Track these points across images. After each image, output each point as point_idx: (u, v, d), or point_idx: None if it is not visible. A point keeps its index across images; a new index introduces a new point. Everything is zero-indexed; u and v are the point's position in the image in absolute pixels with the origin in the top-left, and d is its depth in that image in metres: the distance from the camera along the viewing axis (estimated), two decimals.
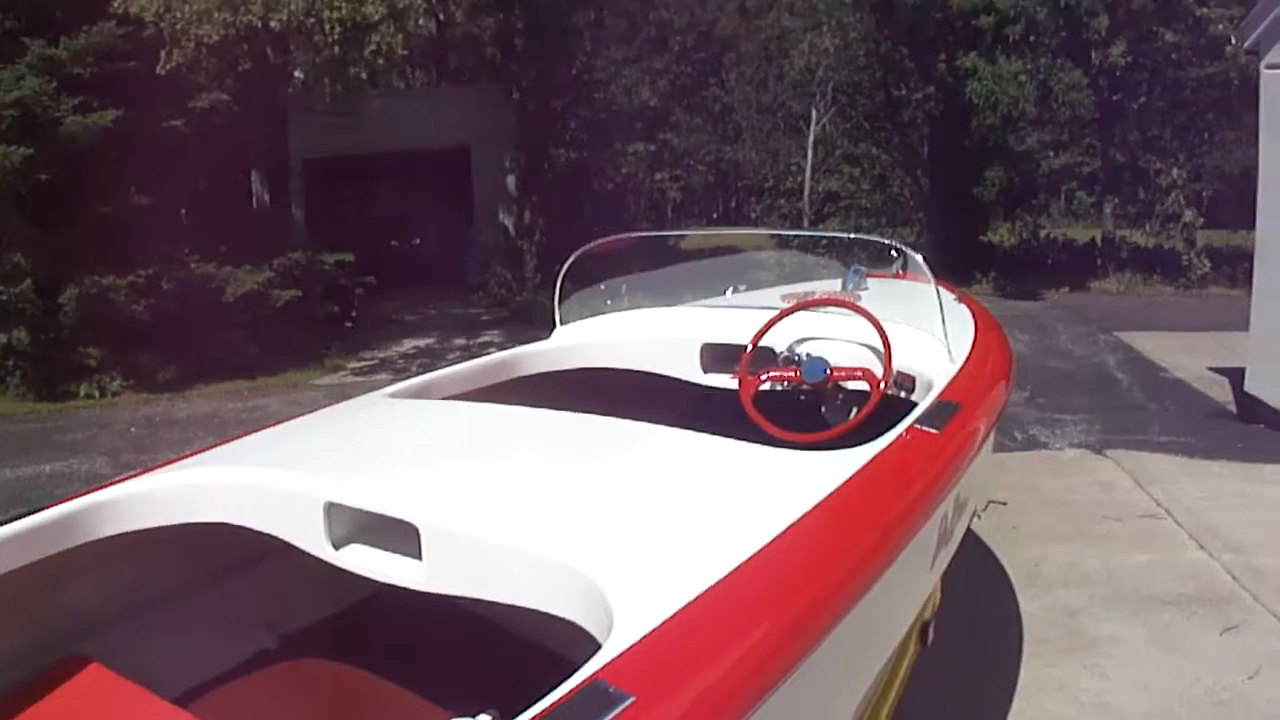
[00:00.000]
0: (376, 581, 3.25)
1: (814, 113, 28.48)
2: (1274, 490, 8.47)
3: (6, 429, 13.18)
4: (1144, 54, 23.76)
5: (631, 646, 2.34)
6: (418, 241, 25.05)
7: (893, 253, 6.00)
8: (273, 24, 14.49)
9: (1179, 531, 7.57)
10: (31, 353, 14.91)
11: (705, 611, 2.49)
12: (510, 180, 23.50)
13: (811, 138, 28.75)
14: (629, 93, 30.09)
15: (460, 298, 22.21)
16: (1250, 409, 10.78)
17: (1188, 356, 14.19)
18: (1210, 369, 13.20)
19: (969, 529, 7.05)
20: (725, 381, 5.41)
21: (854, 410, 4.85)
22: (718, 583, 2.59)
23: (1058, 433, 10.66)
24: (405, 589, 3.18)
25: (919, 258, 5.33)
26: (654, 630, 2.39)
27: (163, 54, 14.49)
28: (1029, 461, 9.67)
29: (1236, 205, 18.71)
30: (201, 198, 17.02)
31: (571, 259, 5.99)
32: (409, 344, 17.91)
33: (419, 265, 23.49)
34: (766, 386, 5.09)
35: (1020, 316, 18.14)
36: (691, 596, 2.52)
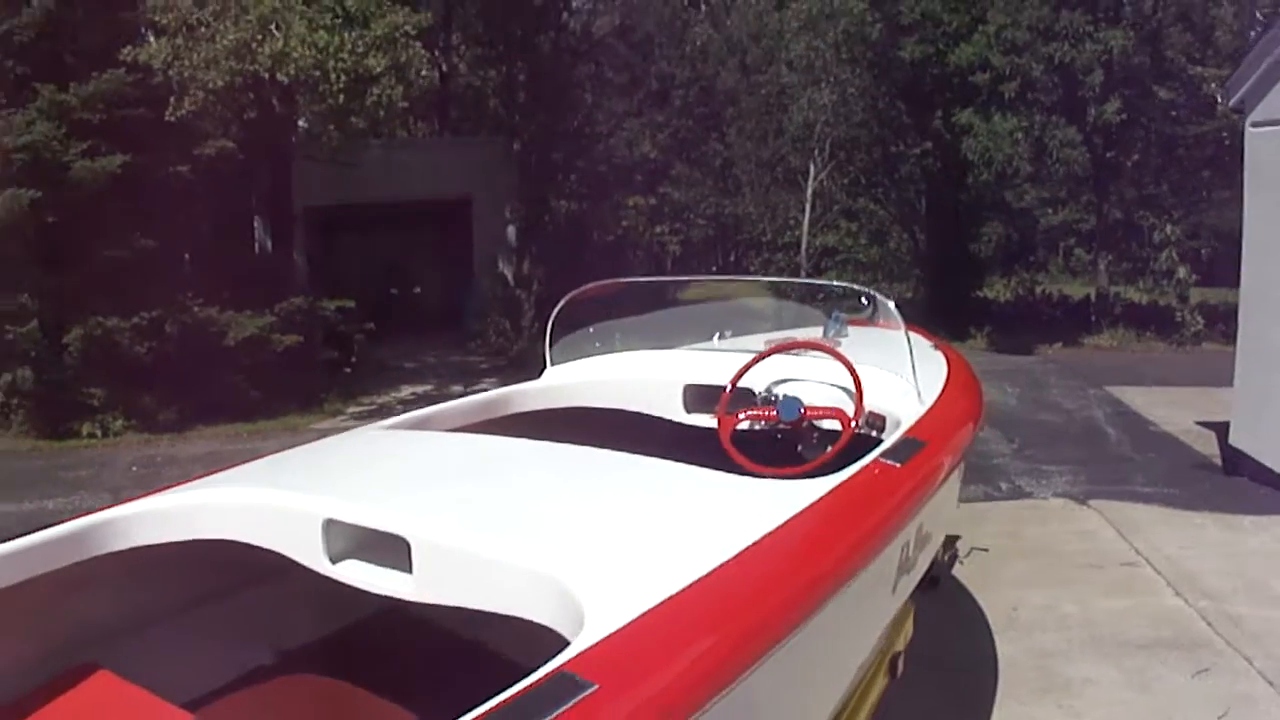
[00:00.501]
0: (371, 602, 3.44)
1: (812, 167, 28.72)
2: (1253, 540, 8.62)
3: (10, 465, 13.37)
4: (1139, 111, 23.96)
5: (597, 644, 2.55)
6: (418, 290, 25.19)
7: (863, 300, 6.19)
8: (280, 76, 14.74)
9: (1157, 579, 7.72)
10: (36, 392, 15.17)
11: (668, 616, 2.71)
12: (510, 231, 23.72)
13: (810, 192, 28.98)
14: (629, 146, 30.38)
15: (459, 346, 22.36)
16: (1234, 462, 10.93)
17: (1176, 411, 14.32)
18: (1198, 423, 13.31)
19: (950, 574, 7.28)
20: (706, 421, 5.60)
21: (828, 448, 5.04)
22: (681, 591, 2.81)
23: (1043, 483, 10.82)
24: (398, 612, 3.37)
25: (890, 304, 5.55)
26: (619, 630, 2.60)
27: (172, 101, 14.74)
28: (1013, 510, 9.85)
29: (1232, 263, 18.77)
30: (205, 243, 17.28)
31: (563, 302, 6.19)
32: (407, 390, 18.07)
33: (418, 313, 23.67)
34: (745, 425, 5.30)
35: (1013, 371, 18.32)
36: (656, 603, 2.73)
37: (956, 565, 7.85)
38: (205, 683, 3.71)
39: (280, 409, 16.04)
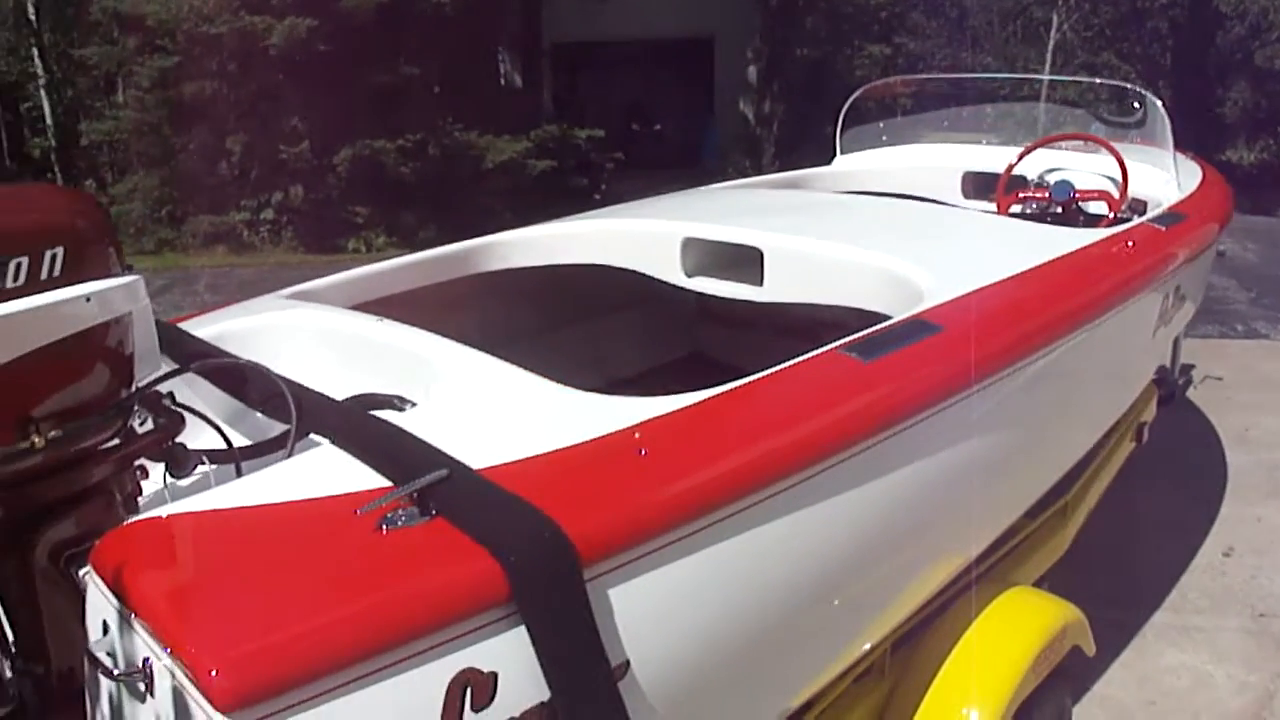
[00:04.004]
0: (684, 344, 4.05)
1: (1055, 19, 28.12)
2: None
3: (284, 275, 14.18)
4: None
5: (940, 305, 3.17)
6: (658, 127, 25.53)
7: (1135, 104, 6.50)
8: None
9: None
10: (305, 209, 16.11)
11: (990, 296, 3.33)
12: (751, 71, 23.86)
13: (1051, 45, 28.40)
14: None
15: (698, 182, 22.16)
16: None
17: None
18: None
19: (1185, 396, 7.68)
20: (982, 205, 6.10)
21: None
22: (997, 282, 3.44)
23: (1279, 328, 10.94)
24: (717, 354, 3.97)
25: (1159, 103, 5.95)
26: (953, 300, 3.20)
27: None
28: (1248, 348, 10.10)
29: None
30: (459, 73, 17.82)
31: (853, 96, 6.79)
32: None
33: (659, 150, 23.90)
34: (1018, 209, 5.78)
35: (1254, 229, 17.99)
36: (981, 285, 3.35)
37: (1191, 390, 8.21)
38: None
39: None
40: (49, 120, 20.07)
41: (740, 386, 2.63)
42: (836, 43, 26.59)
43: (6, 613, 2.26)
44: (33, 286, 2.01)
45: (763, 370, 2.75)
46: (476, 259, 4.41)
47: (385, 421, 2.43)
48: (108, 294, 2.11)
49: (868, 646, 3.01)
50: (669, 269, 4.15)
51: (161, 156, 16.77)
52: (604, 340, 4.96)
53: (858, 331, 3.05)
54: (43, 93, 20.23)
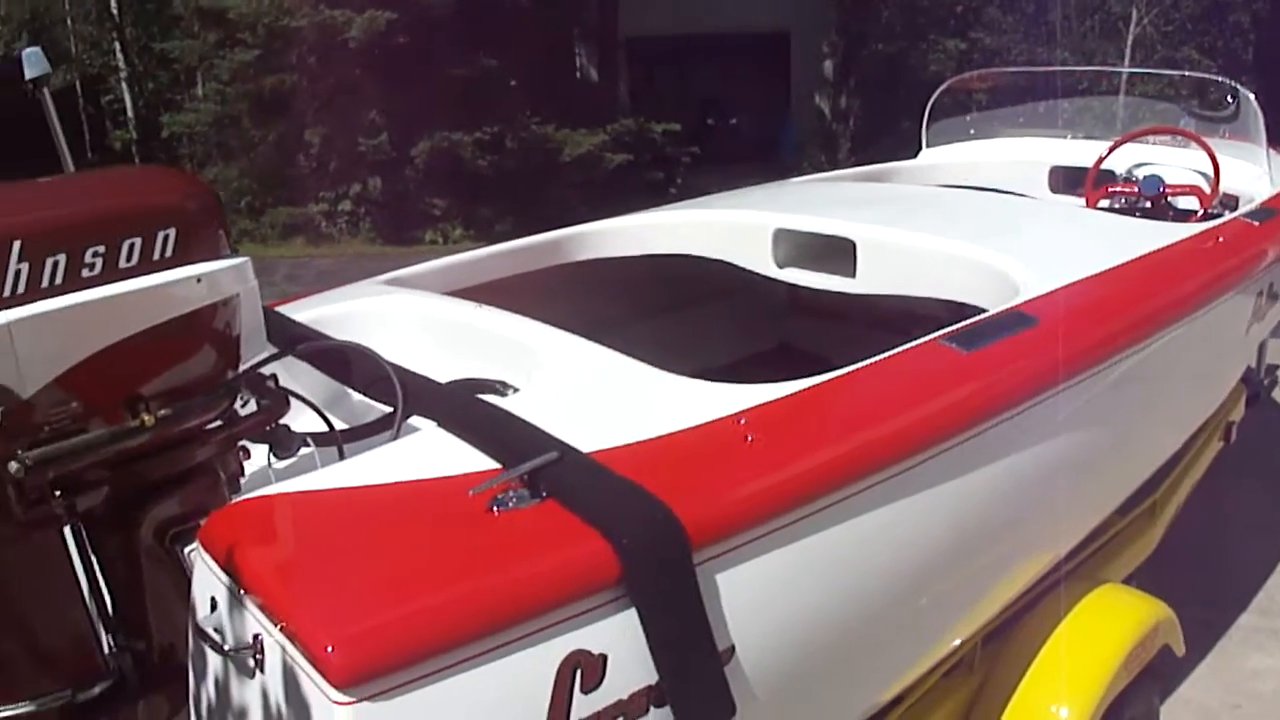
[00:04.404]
0: (783, 332, 4.03)
1: (1134, 13, 27.79)
2: None
3: (365, 265, 14.22)
4: None
5: (1036, 299, 3.13)
6: (734, 121, 25.48)
7: (1229, 98, 6.40)
8: None
9: None
10: (382, 200, 16.19)
11: (1086, 290, 3.31)
12: (827, 65, 23.78)
13: (1130, 40, 28.07)
14: None
15: (774, 177, 21.98)
16: None
17: None
18: None
19: (1270, 398, 7.58)
20: (1069, 200, 6.02)
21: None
22: (1092, 276, 3.41)
23: None
24: (806, 346, 3.96)
25: (1250, 96, 5.85)
26: (1049, 294, 3.18)
27: None
28: None
29: None
30: (536, 67, 17.89)
31: (940, 90, 6.73)
32: None
33: (735, 144, 23.81)
34: (1107, 203, 5.71)
35: None
36: (1075, 280, 3.32)
37: (1276, 390, 8.08)
38: None
39: None
40: (130, 113, 20.44)
41: (843, 375, 2.63)
42: (912, 38, 26.42)
43: (110, 589, 2.30)
44: (145, 266, 2.04)
45: (854, 362, 2.74)
46: (568, 248, 4.43)
47: (492, 405, 2.47)
48: (217, 275, 2.14)
49: (959, 641, 2.99)
50: (760, 260, 4.15)
51: (241, 148, 17.02)
52: (693, 330, 4.94)
53: (947, 325, 3.02)
54: (124, 86, 20.60)
